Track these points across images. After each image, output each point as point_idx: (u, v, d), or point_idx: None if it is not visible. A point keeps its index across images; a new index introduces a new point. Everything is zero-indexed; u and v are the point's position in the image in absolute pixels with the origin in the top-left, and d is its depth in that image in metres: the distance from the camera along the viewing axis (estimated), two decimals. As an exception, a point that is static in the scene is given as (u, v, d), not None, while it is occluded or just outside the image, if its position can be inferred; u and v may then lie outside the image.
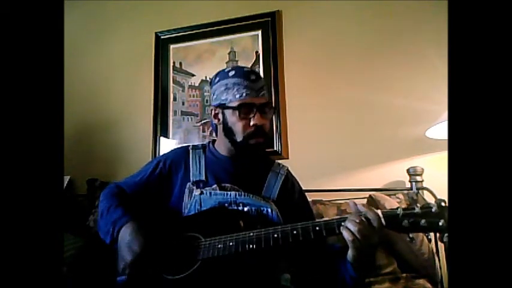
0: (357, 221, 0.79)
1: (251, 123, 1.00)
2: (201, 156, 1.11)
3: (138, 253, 0.85)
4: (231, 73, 1.03)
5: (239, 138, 1.01)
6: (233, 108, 1.00)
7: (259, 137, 1.02)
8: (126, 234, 0.90)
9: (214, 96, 1.07)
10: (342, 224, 0.81)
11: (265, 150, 1.11)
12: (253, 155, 1.07)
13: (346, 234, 0.79)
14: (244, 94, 0.99)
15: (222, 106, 1.03)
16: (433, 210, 0.76)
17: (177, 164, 1.10)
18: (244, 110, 1.00)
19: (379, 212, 0.81)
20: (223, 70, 1.07)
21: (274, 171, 1.11)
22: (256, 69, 2.00)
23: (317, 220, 0.87)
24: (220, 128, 1.08)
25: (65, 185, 2.04)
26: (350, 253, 0.82)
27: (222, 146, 1.10)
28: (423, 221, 0.76)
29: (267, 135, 1.07)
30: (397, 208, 0.80)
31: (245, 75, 1.02)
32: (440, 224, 0.75)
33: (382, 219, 0.79)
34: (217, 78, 1.06)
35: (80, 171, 2.12)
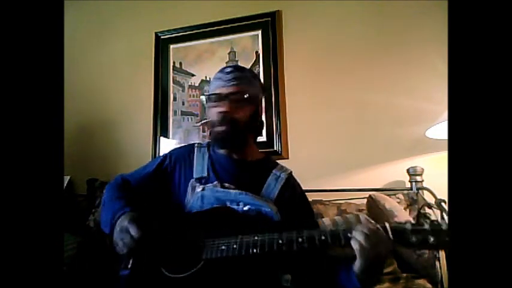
0: (365, 231, 0.78)
1: (217, 111, 1.04)
2: (205, 154, 1.13)
3: (134, 238, 0.86)
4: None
5: (211, 127, 1.07)
6: (207, 100, 1.07)
7: (223, 125, 1.02)
8: (123, 222, 0.90)
9: None
10: (349, 234, 0.80)
11: (235, 140, 1.05)
12: (222, 144, 1.06)
13: (354, 244, 0.79)
14: (215, 86, 1.07)
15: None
16: (444, 227, 0.75)
17: (183, 160, 1.12)
18: (212, 99, 1.06)
19: (386, 225, 0.80)
20: None
21: (274, 174, 1.10)
22: (256, 69, 2.00)
23: (322, 229, 0.85)
24: None
25: (65, 185, 2.04)
26: (357, 263, 0.81)
27: None
28: (432, 238, 0.74)
29: (235, 124, 1.03)
30: (406, 223, 0.78)
31: (222, 69, 1.09)
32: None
33: (390, 232, 0.78)
34: None
35: (80, 171, 2.12)
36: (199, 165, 1.09)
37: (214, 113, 1.05)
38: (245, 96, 1.05)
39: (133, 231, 0.87)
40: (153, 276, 0.87)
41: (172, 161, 1.12)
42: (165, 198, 1.08)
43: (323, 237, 0.81)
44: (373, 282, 0.88)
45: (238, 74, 1.06)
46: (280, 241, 0.83)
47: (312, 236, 0.82)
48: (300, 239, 0.82)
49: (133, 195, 1.04)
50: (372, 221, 0.82)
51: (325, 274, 0.96)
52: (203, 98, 1.11)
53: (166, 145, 2.08)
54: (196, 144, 1.16)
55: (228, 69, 1.07)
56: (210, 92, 1.08)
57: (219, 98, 1.04)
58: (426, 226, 0.76)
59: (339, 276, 0.90)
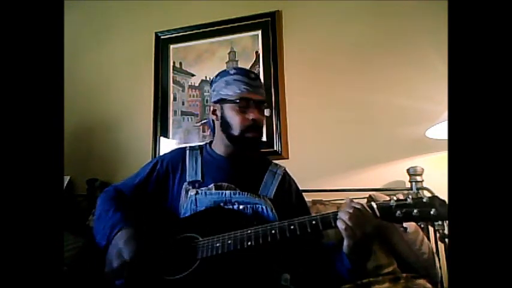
0: (349, 210, 0.81)
1: (249, 117, 1.03)
2: (197, 157, 1.12)
3: (127, 261, 0.85)
4: (232, 71, 1.08)
5: (236, 131, 1.04)
6: (233, 101, 1.04)
7: (255, 132, 1.04)
8: (119, 240, 0.89)
9: (214, 93, 1.10)
10: (337, 216, 0.83)
11: (259, 146, 1.12)
12: (249, 150, 1.09)
13: (339, 224, 0.82)
14: (243, 89, 1.04)
15: (222, 101, 1.07)
16: (425, 200, 0.80)
17: (174, 165, 1.11)
18: (242, 103, 1.04)
19: (372, 203, 0.83)
20: (225, 70, 1.11)
21: (271, 171, 1.11)
22: (256, 69, 2.00)
23: (313, 215, 0.88)
24: (217, 124, 1.10)
25: (65, 185, 2.04)
26: (345, 243, 0.83)
27: (218, 145, 1.12)
28: (415, 210, 0.79)
29: (262, 132, 1.09)
30: (390, 200, 0.83)
31: (246, 73, 1.08)
32: (431, 212, 0.77)
33: (376, 210, 0.82)
34: (218, 77, 1.10)
35: (80, 171, 2.11)
36: (192, 169, 1.09)
37: (242, 118, 1.03)
38: (267, 105, 1.10)
39: (126, 253, 0.86)
40: (150, 281, 0.87)
41: (164, 166, 1.11)
42: (160, 204, 1.07)
43: (314, 222, 0.84)
44: (363, 262, 0.90)
45: (260, 81, 1.11)
46: (273, 231, 0.85)
47: (303, 222, 0.85)
48: (292, 227, 0.84)
49: (129, 206, 1.02)
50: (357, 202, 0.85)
51: (322, 265, 0.97)
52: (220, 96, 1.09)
53: (166, 145, 2.08)
54: (188, 148, 1.16)
55: (253, 75, 1.08)
56: (237, 95, 1.04)
57: (248, 103, 1.05)
58: (409, 200, 0.81)
59: (334, 264, 0.92)
